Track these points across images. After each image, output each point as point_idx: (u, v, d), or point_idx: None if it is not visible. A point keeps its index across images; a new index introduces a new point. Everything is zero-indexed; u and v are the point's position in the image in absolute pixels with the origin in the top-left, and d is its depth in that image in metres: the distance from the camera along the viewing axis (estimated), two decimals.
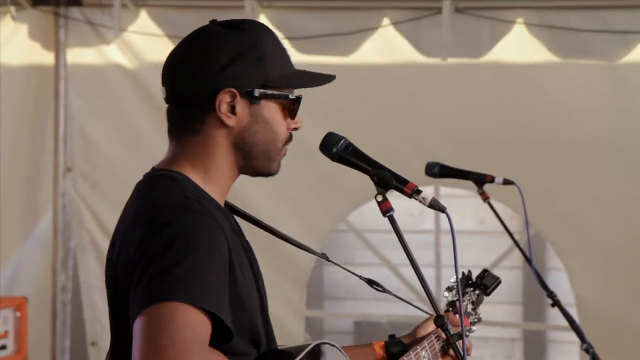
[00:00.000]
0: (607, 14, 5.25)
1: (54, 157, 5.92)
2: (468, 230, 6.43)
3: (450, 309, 2.72)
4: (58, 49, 5.90)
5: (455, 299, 2.70)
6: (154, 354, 1.95)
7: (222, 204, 2.29)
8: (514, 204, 4.43)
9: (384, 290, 2.30)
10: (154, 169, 2.29)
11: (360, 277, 2.54)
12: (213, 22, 2.30)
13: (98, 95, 5.90)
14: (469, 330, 2.79)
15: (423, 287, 2.29)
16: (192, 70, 2.25)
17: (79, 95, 5.91)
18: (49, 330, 5.95)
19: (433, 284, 5.64)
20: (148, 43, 5.75)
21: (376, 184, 2.29)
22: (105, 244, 5.86)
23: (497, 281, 2.83)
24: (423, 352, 2.54)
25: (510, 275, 6.77)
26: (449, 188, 5.43)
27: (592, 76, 5.37)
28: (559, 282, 5.61)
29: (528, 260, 3.84)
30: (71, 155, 5.93)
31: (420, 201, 2.27)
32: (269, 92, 2.26)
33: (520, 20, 5.37)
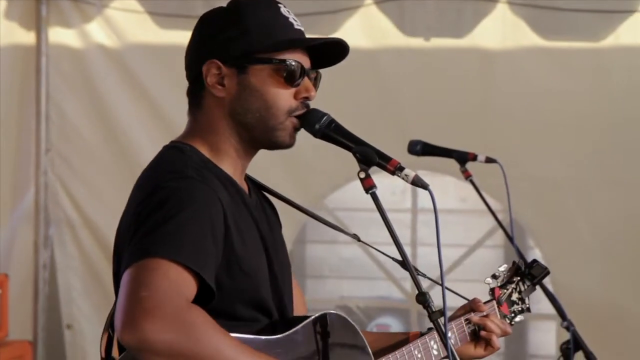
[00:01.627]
0: None
1: (36, 136, 5.89)
2: (449, 209, 6.43)
3: (491, 294, 2.78)
4: (39, 25, 5.86)
5: (494, 286, 2.74)
6: (132, 305, 2.05)
7: (237, 177, 2.36)
8: (492, 188, 4.44)
9: (410, 272, 2.30)
10: (171, 142, 2.40)
11: (393, 258, 2.56)
12: (227, 4, 2.41)
13: (77, 75, 5.86)
14: (512, 319, 2.82)
15: (406, 263, 2.31)
16: (188, 50, 2.40)
17: (58, 75, 5.88)
18: (30, 308, 5.94)
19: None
20: (130, 21, 5.72)
21: (359, 160, 2.30)
22: (80, 226, 5.85)
23: (545, 271, 2.87)
24: (432, 342, 2.56)
25: (492, 253, 6.79)
26: (428, 171, 5.45)
27: (575, 56, 5.38)
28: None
29: (510, 238, 3.86)
30: (49, 135, 5.90)
31: (403, 178, 2.28)
32: (253, 59, 2.30)
33: None
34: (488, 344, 2.68)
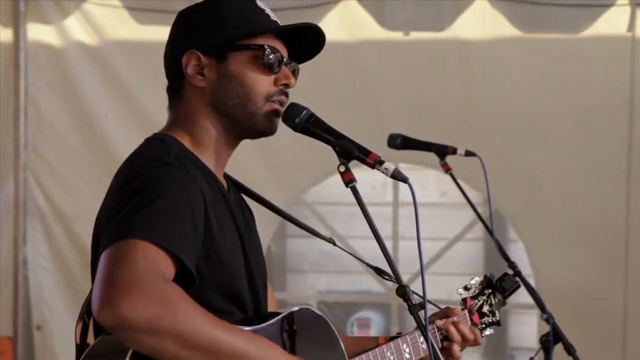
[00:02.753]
0: None
1: (14, 132, 5.86)
2: (429, 203, 6.45)
3: (462, 304, 2.80)
4: (18, 21, 5.83)
5: (466, 296, 2.75)
6: (109, 284, 2.05)
7: (217, 171, 2.37)
8: (474, 180, 4.46)
9: (391, 265, 2.31)
10: (153, 134, 2.40)
11: (368, 264, 2.56)
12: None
13: (55, 71, 5.83)
14: (482, 330, 2.83)
15: (386, 257, 2.32)
16: (167, 45, 2.41)
17: (36, 71, 5.85)
18: (10, 304, 5.90)
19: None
20: (108, 16, 5.70)
21: (339, 154, 2.31)
22: (54, 224, 5.79)
23: (515, 285, 2.88)
24: (404, 345, 2.56)
25: (472, 247, 6.81)
26: (409, 164, 5.46)
27: (554, 50, 5.40)
28: (519, 254, 5.66)
29: (490, 231, 3.87)
30: (26, 130, 5.87)
31: (382, 172, 2.28)
32: (231, 47, 2.32)
33: None
34: (450, 354, 2.69)
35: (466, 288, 2.84)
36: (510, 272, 3.63)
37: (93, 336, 2.26)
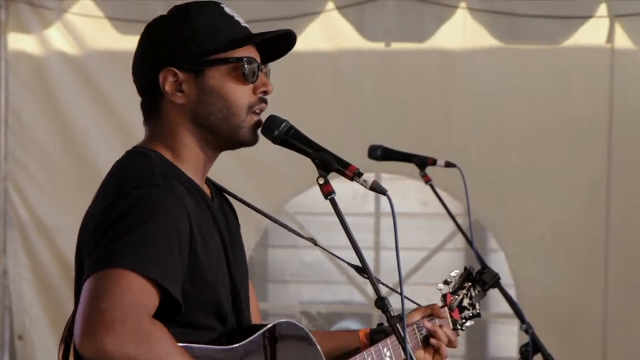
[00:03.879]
0: None
1: None
2: (410, 213, 6.46)
3: (443, 301, 2.79)
4: None
5: (446, 292, 2.76)
6: (92, 316, 2.04)
7: (200, 182, 2.35)
8: (455, 190, 4.48)
9: (370, 278, 2.30)
10: (133, 147, 2.38)
11: (348, 263, 2.57)
12: (168, 11, 2.38)
13: (36, 81, 5.81)
14: (462, 325, 2.83)
15: (365, 268, 2.32)
16: (138, 61, 2.38)
17: (17, 81, 5.83)
18: None
19: (372, 267, 5.68)
20: (89, 27, 5.69)
21: (318, 166, 2.31)
22: (34, 234, 5.75)
23: (495, 277, 2.88)
24: (385, 349, 2.56)
25: (453, 257, 6.82)
26: (391, 174, 5.48)
27: (534, 61, 5.43)
28: (500, 263, 5.68)
29: (469, 242, 3.88)
30: (6, 141, 5.84)
31: (361, 184, 2.28)
32: (209, 62, 2.30)
33: (463, 5, 5.41)
34: (437, 352, 2.69)
35: (446, 282, 2.84)
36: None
37: (74, 358, 2.25)
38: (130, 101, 5.49)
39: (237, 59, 2.32)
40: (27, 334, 5.77)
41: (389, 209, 2.22)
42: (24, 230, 5.79)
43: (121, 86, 5.57)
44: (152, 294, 2.11)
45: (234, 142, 2.36)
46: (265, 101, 2.38)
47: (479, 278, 2.88)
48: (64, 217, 5.56)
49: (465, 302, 2.84)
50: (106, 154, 5.36)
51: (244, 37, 2.34)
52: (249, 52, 2.35)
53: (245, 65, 2.32)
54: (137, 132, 2.48)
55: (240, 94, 2.33)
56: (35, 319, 5.76)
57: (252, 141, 2.37)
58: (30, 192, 5.81)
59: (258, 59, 2.37)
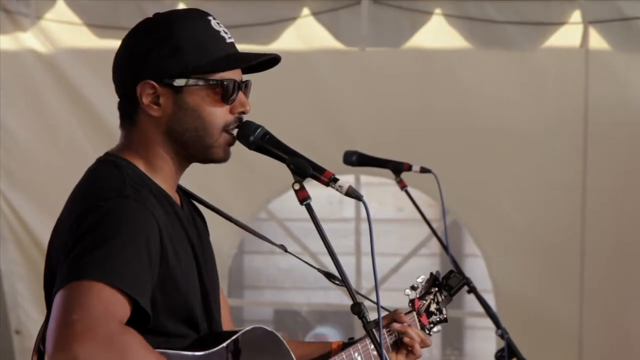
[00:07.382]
0: (523, 5, 5.33)
1: None
2: (387, 218, 6.48)
3: (411, 306, 2.80)
4: None
5: (414, 297, 2.77)
6: (63, 328, 2.04)
7: (170, 191, 2.35)
8: (432, 191, 4.49)
9: (345, 284, 2.29)
10: (105, 154, 2.37)
11: (319, 269, 2.56)
12: (155, 15, 2.36)
13: (13, 82, 5.79)
14: (430, 329, 2.84)
15: (340, 274, 2.32)
16: (118, 67, 2.37)
17: None
18: None
19: (353, 272, 5.69)
20: (65, 31, 5.66)
21: (293, 172, 2.32)
22: (22, 233, 5.78)
23: (461, 282, 2.89)
24: (355, 354, 2.56)
25: (429, 261, 6.85)
26: (369, 176, 5.48)
27: (507, 66, 5.46)
28: (477, 268, 5.71)
29: (445, 247, 3.90)
30: None
31: (337, 189, 2.29)
32: (189, 80, 2.29)
33: (438, 11, 5.43)
34: (410, 351, 2.69)
35: (413, 287, 2.85)
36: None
37: None
38: (111, 101, 5.49)
39: (216, 82, 2.31)
40: (24, 328, 5.82)
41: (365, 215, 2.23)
42: (12, 228, 5.78)
43: (102, 86, 5.52)
44: (123, 305, 2.11)
45: (205, 159, 2.37)
46: (241, 120, 2.36)
47: (445, 283, 2.89)
48: (48, 212, 5.51)
49: (433, 307, 2.86)
50: (90, 152, 5.31)
51: (227, 62, 2.32)
52: (230, 72, 2.33)
53: (224, 88, 2.31)
54: (119, 132, 2.45)
55: (217, 115, 2.32)
56: (30, 313, 5.79)
57: (223, 160, 2.38)
58: (12, 191, 5.78)
59: (238, 76, 2.36)
